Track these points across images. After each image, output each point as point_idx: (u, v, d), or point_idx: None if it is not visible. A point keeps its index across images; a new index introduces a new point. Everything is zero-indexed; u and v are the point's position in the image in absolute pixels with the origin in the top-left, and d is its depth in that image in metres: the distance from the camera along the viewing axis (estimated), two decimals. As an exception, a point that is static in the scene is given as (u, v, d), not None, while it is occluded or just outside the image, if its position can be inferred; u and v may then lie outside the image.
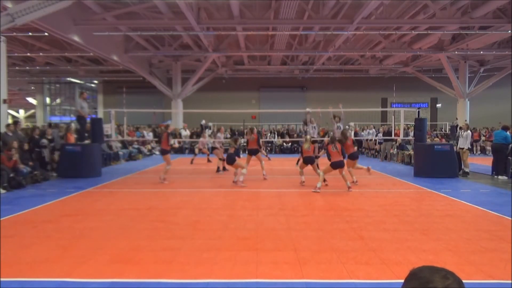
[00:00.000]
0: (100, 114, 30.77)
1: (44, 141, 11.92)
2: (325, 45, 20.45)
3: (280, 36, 18.82)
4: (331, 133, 8.95)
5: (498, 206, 7.09)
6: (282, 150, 21.65)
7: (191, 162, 15.33)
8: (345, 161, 9.57)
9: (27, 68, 26.25)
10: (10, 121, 12.51)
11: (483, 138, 21.85)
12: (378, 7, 15.03)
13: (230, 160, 9.71)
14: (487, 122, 25.68)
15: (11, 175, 9.19)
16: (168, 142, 10.44)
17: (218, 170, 12.59)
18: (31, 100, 35.78)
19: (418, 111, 14.55)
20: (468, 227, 5.70)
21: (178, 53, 22.16)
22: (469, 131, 12.06)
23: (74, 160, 11.20)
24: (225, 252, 4.48)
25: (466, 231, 5.45)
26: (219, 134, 14.40)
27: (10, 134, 10.40)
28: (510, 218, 6.13)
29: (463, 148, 11.83)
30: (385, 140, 17.15)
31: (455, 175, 11.26)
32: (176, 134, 22.10)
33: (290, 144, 21.61)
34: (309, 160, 9.71)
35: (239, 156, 10.33)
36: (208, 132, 18.69)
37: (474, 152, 20.54)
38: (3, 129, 10.56)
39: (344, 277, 3.77)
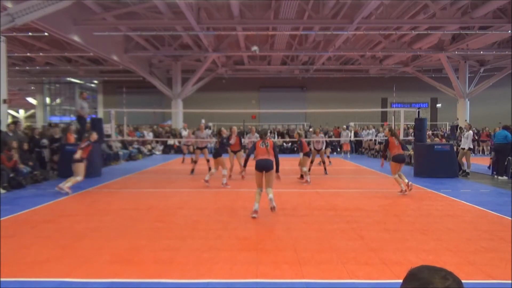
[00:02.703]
0: (100, 114, 30.78)
1: (44, 141, 11.92)
2: (325, 45, 20.45)
3: (280, 36, 18.83)
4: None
5: (498, 206, 7.09)
6: (282, 150, 21.65)
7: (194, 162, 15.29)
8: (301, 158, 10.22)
9: (27, 68, 26.26)
10: (9, 121, 12.51)
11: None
12: (378, 7, 15.04)
13: (214, 155, 9.53)
14: (487, 122, 25.69)
15: (11, 175, 9.19)
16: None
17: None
18: (31, 100, 35.79)
19: (418, 111, 14.51)
20: (468, 227, 5.70)
21: (178, 53, 22.17)
22: (470, 131, 12.04)
23: (74, 160, 11.18)
24: (225, 252, 4.48)
25: (466, 231, 5.45)
26: (198, 133, 12.72)
27: (10, 134, 10.40)
28: (510, 218, 6.13)
29: (464, 149, 11.80)
30: None
31: (455, 175, 11.27)
32: (176, 134, 22.12)
33: (290, 144, 21.62)
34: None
35: (224, 152, 9.69)
36: (208, 132, 18.64)
37: (485, 153, 20.44)
38: (4, 129, 10.56)
39: (344, 277, 3.77)
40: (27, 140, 11.36)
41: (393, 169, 8.41)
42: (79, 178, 8.73)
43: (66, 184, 8.44)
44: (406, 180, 8.39)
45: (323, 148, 12.24)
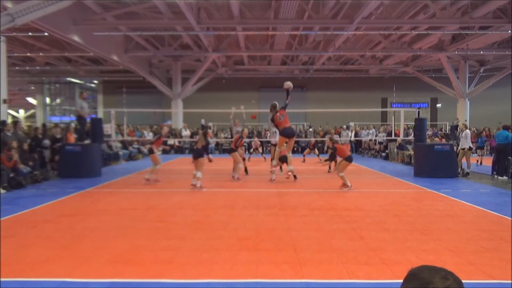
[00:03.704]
0: (100, 114, 30.78)
1: (46, 141, 11.91)
2: (325, 45, 20.45)
3: (280, 36, 18.82)
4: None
5: (498, 206, 7.09)
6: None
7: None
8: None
9: (27, 68, 26.26)
10: (9, 121, 12.50)
11: None
12: (378, 7, 15.03)
13: (195, 156, 9.18)
14: (487, 122, 25.70)
15: (11, 175, 9.19)
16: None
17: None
18: (31, 100, 35.78)
19: (418, 111, 14.52)
20: (468, 227, 5.70)
21: (178, 53, 22.17)
22: (468, 131, 12.04)
23: (74, 160, 11.20)
24: (225, 252, 4.48)
25: (466, 231, 5.45)
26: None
27: (9, 134, 10.38)
28: (510, 218, 6.13)
29: (464, 149, 11.80)
30: (389, 141, 17.17)
31: (455, 175, 11.27)
32: (176, 134, 22.13)
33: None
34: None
35: (207, 154, 9.32)
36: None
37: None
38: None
39: (344, 277, 3.77)
40: (29, 140, 11.36)
41: (342, 167, 9.11)
42: (157, 166, 10.18)
43: (148, 176, 10.07)
44: (349, 183, 9.09)
45: None
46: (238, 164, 10.76)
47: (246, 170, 12.06)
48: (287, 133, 8.32)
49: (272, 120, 8.91)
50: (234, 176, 10.74)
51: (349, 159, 9.12)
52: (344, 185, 9.12)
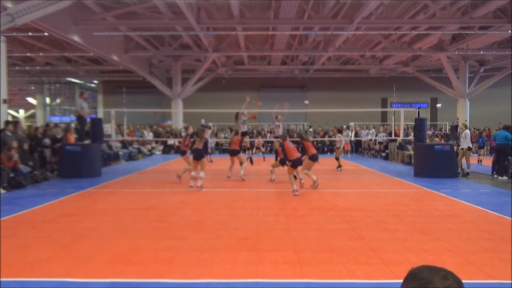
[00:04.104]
0: (100, 114, 30.78)
1: (47, 140, 11.91)
2: (325, 45, 20.45)
3: (280, 36, 18.82)
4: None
5: (498, 206, 7.09)
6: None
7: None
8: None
9: (27, 68, 26.26)
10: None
11: None
12: (378, 7, 15.03)
13: (198, 156, 8.90)
14: (487, 122, 25.70)
15: (11, 175, 9.19)
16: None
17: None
18: (31, 100, 35.78)
19: (418, 111, 14.53)
20: (468, 227, 5.70)
21: (178, 53, 22.17)
22: (467, 131, 12.05)
23: (74, 160, 11.20)
24: (225, 252, 4.48)
25: (466, 231, 5.45)
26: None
27: (9, 134, 10.38)
28: (510, 218, 6.13)
29: (463, 148, 11.81)
30: (390, 141, 17.17)
31: (455, 175, 11.26)
32: (176, 134, 22.12)
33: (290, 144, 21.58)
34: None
35: (207, 153, 9.29)
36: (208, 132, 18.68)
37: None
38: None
39: (344, 277, 3.77)
40: (29, 140, 11.36)
41: (308, 166, 9.22)
42: (188, 167, 9.96)
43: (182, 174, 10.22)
44: (315, 178, 9.24)
45: (341, 146, 14.04)
46: (243, 164, 10.85)
47: (251, 160, 12.89)
48: (296, 164, 8.85)
49: (283, 145, 9.14)
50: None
51: (312, 158, 9.16)
52: (314, 182, 9.24)
